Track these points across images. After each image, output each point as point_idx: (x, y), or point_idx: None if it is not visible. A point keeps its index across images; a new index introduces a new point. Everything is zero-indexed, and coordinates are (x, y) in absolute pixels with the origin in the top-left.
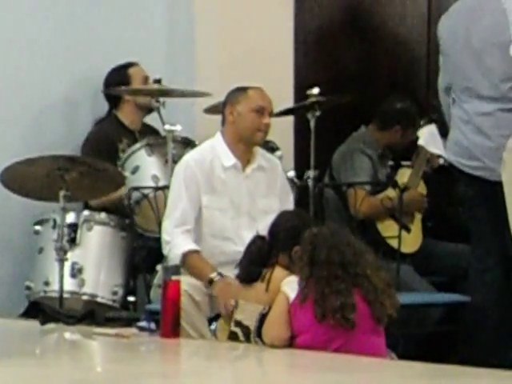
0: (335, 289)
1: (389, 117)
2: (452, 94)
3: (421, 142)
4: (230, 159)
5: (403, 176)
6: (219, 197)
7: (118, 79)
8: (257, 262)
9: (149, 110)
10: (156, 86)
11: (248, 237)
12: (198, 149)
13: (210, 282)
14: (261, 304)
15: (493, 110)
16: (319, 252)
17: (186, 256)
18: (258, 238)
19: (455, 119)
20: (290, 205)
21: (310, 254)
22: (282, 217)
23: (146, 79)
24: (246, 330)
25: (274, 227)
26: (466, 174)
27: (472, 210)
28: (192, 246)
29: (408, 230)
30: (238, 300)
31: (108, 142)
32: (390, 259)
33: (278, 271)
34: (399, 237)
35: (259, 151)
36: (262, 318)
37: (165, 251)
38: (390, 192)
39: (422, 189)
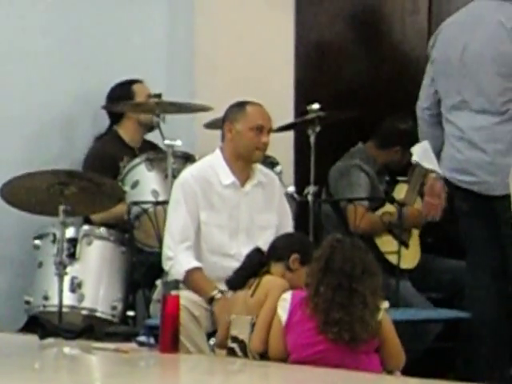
0: (339, 300)
1: (390, 136)
2: (442, 111)
3: (414, 158)
4: (228, 177)
5: (400, 192)
6: (217, 213)
7: (121, 95)
8: (246, 270)
9: (150, 127)
10: (156, 100)
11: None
12: (196, 165)
13: (211, 299)
14: (246, 309)
15: (488, 123)
16: (335, 258)
17: (188, 273)
18: (254, 250)
19: (448, 136)
20: (288, 217)
21: (327, 258)
22: (283, 234)
23: (149, 97)
24: (241, 344)
25: (273, 240)
26: (461, 190)
27: (467, 226)
28: (195, 264)
29: (406, 246)
30: (231, 316)
31: (110, 160)
32: (388, 275)
33: (268, 277)
34: (398, 253)
35: (258, 166)
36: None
37: (166, 266)
38: (389, 208)
39: (419, 205)
